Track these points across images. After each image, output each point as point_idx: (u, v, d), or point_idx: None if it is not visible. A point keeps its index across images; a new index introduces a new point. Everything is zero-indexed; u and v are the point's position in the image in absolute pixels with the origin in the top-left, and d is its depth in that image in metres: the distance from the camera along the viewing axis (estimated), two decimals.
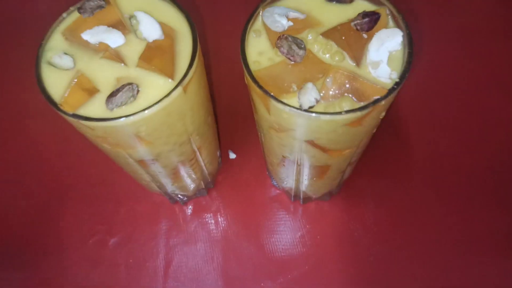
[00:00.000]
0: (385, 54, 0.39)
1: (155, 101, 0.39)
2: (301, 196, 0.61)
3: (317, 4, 0.44)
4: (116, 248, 0.61)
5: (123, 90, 0.39)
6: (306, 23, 0.42)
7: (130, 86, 0.39)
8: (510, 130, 0.67)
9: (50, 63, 0.42)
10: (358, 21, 0.40)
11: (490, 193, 0.62)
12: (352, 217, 0.62)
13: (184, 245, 0.62)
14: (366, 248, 0.60)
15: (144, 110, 0.38)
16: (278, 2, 0.44)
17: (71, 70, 0.42)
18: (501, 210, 0.61)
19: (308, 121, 0.38)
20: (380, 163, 0.65)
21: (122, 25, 0.43)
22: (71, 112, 0.39)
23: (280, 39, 0.40)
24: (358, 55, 0.40)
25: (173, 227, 0.63)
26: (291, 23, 0.42)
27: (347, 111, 0.36)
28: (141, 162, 0.49)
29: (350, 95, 0.38)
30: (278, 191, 0.65)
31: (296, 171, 0.52)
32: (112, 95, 0.39)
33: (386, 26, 0.41)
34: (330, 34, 0.41)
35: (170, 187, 0.59)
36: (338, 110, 0.38)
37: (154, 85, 0.40)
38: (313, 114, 0.37)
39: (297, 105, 0.38)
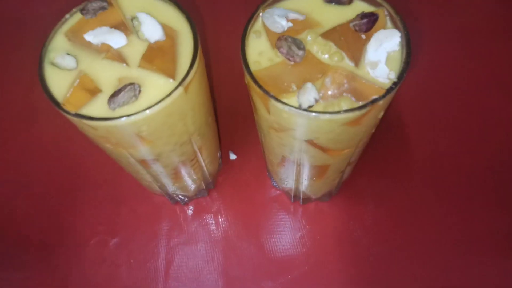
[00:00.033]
0: (383, 54, 0.40)
1: (156, 101, 0.39)
2: (301, 196, 0.62)
3: (317, 5, 0.44)
4: (117, 249, 0.62)
5: (125, 90, 0.39)
6: (305, 24, 0.43)
7: (132, 86, 0.40)
8: (510, 130, 0.67)
9: (53, 64, 0.42)
10: (357, 22, 0.41)
11: (490, 193, 0.62)
12: (352, 217, 0.62)
13: (184, 245, 0.62)
14: (366, 248, 0.60)
15: (145, 110, 0.39)
16: (278, 3, 0.45)
17: (73, 70, 0.42)
18: (501, 210, 0.61)
19: (308, 120, 0.38)
20: (379, 163, 0.65)
21: (124, 26, 0.44)
22: (73, 112, 0.40)
23: (280, 40, 0.40)
24: (356, 55, 0.40)
25: (173, 227, 0.63)
26: (290, 24, 0.42)
27: (346, 111, 0.37)
28: (142, 162, 0.49)
29: (349, 95, 0.38)
30: (278, 192, 0.65)
31: (296, 171, 0.52)
32: (114, 95, 0.39)
33: (384, 27, 0.42)
34: (329, 35, 0.41)
35: (171, 187, 0.59)
36: (337, 109, 0.38)
37: (156, 85, 0.41)
38: (312, 114, 0.37)
39: (296, 105, 0.38)
